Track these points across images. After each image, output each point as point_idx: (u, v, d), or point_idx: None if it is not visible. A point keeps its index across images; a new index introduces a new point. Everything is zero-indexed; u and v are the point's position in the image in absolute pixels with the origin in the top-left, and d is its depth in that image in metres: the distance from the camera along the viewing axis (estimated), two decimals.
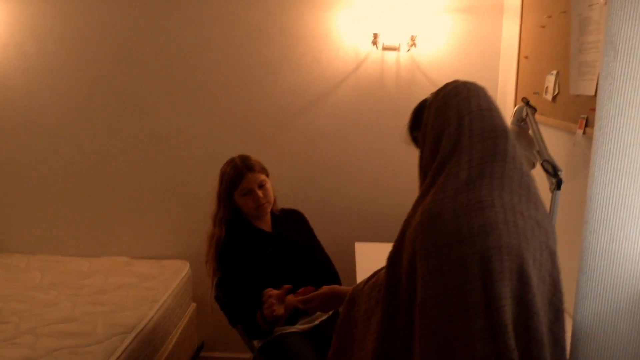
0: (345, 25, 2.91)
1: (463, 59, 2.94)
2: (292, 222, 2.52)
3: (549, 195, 1.67)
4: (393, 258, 1.42)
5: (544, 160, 1.68)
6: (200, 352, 3.20)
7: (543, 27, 2.23)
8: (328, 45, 2.94)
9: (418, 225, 1.30)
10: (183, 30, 2.96)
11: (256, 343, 2.28)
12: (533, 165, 1.81)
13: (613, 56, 1.33)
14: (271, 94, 3.01)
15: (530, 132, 1.85)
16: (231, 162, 2.36)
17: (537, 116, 2.14)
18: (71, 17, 2.98)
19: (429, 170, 1.38)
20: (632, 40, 1.30)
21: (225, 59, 2.98)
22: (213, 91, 3.01)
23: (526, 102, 1.92)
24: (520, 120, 1.93)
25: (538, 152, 1.75)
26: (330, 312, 2.39)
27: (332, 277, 2.45)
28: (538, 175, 1.61)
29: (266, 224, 2.43)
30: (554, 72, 2.06)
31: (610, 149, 1.36)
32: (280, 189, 2.54)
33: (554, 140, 2.06)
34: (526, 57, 2.45)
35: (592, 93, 1.70)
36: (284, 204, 2.56)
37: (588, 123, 1.74)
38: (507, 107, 2.69)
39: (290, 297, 2.08)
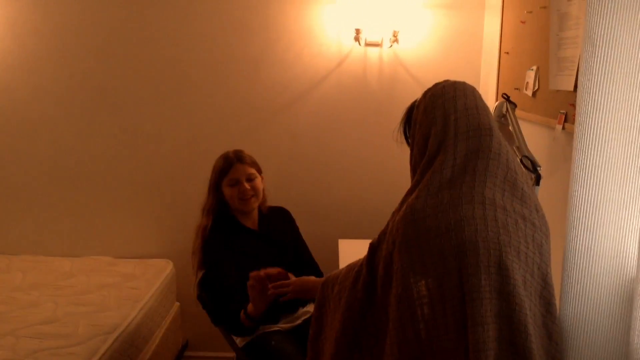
0: (328, 21, 2.90)
1: (445, 54, 2.94)
2: (279, 220, 2.50)
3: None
4: (374, 246, 1.46)
5: (523, 156, 1.69)
6: (184, 352, 3.18)
7: (523, 22, 2.24)
8: (310, 41, 2.93)
9: (400, 220, 1.35)
10: (164, 25, 2.93)
11: (239, 342, 2.27)
12: None
13: (592, 51, 1.33)
14: (253, 90, 2.99)
15: (510, 127, 1.86)
16: (224, 154, 2.38)
17: (517, 112, 2.15)
18: (51, 13, 2.94)
19: (418, 167, 1.42)
20: (610, 35, 1.30)
21: (207, 55, 2.96)
22: (195, 87, 2.99)
23: (506, 98, 1.92)
24: (501, 116, 1.93)
25: (517, 147, 1.76)
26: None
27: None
28: None
29: (252, 222, 2.41)
30: (534, 67, 2.07)
31: (589, 144, 1.36)
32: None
33: (534, 136, 2.07)
34: (507, 53, 2.46)
35: (572, 88, 1.70)
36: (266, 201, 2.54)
37: (567, 118, 1.75)
38: (489, 103, 2.66)
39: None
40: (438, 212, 1.29)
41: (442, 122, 1.39)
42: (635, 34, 1.28)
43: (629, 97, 1.29)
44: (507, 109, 1.92)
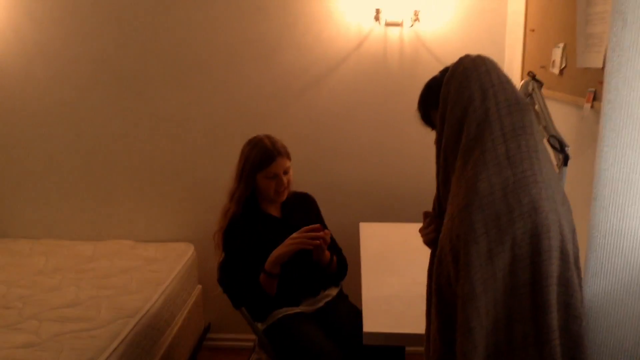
0: (347, 1, 2.84)
1: (468, 33, 2.87)
2: (301, 206, 2.45)
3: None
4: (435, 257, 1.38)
5: (551, 136, 1.63)
6: (207, 334, 3.19)
7: None
8: (329, 23, 2.88)
9: (464, 207, 1.25)
10: (183, 10, 2.91)
11: (260, 325, 2.26)
12: None
13: (621, 26, 1.27)
14: (272, 74, 2.95)
15: (536, 107, 1.80)
16: (259, 143, 2.27)
17: (544, 90, 2.09)
18: None
19: (455, 150, 1.33)
20: None
21: (225, 39, 2.92)
22: (213, 72, 2.97)
23: (532, 76, 1.86)
24: (527, 95, 1.87)
25: (545, 127, 1.70)
26: (335, 294, 2.37)
27: (340, 264, 2.41)
28: None
29: (275, 209, 2.38)
30: (561, 44, 2.00)
31: (619, 122, 1.31)
32: None
33: (562, 115, 2.00)
34: (532, 30, 2.38)
35: (600, 65, 1.64)
36: None
37: (596, 97, 1.68)
38: (516, 82, 2.63)
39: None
40: (507, 192, 1.23)
41: (480, 97, 1.30)
42: None
43: None
44: (533, 87, 1.85)
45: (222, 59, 2.95)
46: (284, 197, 2.33)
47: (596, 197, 1.37)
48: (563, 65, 1.99)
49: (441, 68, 1.51)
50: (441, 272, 1.36)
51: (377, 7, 2.76)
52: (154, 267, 2.82)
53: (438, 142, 1.42)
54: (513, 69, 2.71)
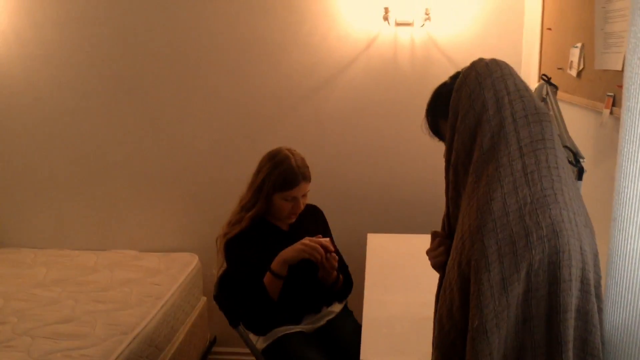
0: (354, 0, 2.71)
1: (483, 33, 2.72)
2: (309, 219, 2.32)
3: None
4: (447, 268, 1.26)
5: (564, 146, 1.49)
6: (212, 348, 3.09)
7: None
8: (336, 23, 2.76)
9: (476, 230, 1.13)
10: (183, 11, 2.81)
11: (259, 344, 2.14)
12: None
13: None
14: (277, 76, 2.84)
15: (550, 113, 1.65)
16: (284, 162, 2.10)
17: (561, 94, 1.94)
18: (71, 1, 2.86)
19: (466, 164, 1.22)
20: None
21: (229, 40, 2.82)
22: (217, 75, 2.87)
23: (546, 80, 1.72)
24: (540, 100, 1.73)
25: (559, 135, 1.55)
26: (338, 310, 2.25)
27: (345, 281, 2.28)
28: None
29: (284, 222, 2.26)
30: (579, 44, 1.84)
31: (639, 132, 1.17)
32: None
33: (580, 121, 1.85)
34: (549, 29, 2.23)
35: (620, 67, 1.49)
36: None
37: (615, 102, 1.53)
38: (532, 86, 2.47)
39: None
40: (524, 214, 1.10)
41: (495, 105, 1.18)
42: None
43: None
44: (547, 92, 1.71)
45: (226, 62, 2.85)
46: (295, 218, 2.21)
47: (615, 218, 1.23)
48: (581, 67, 1.83)
49: (455, 70, 1.36)
50: (444, 300, 1.23)
51: (386, 6, 2.62)
52: (156, 279, 2.73)
53: (447, 155, 1.30)
54: (530, 70, 2.56)
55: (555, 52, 2.15)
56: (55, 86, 2.96)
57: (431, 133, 1.45)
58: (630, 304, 1.21)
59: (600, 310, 1.21)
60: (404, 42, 2.76)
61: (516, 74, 1.25)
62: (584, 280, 1.12)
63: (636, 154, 1.17)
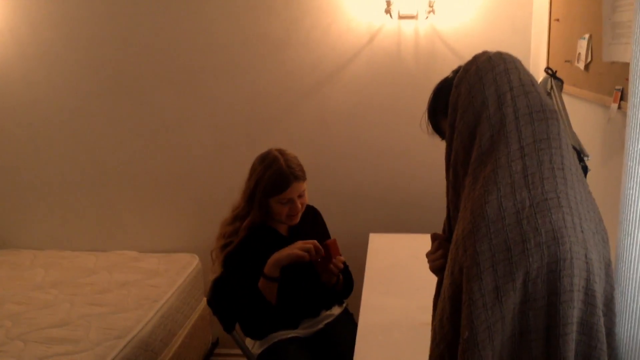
0: None
1: (490, 25, 2.62)
2: (308, 222, 2.24)
3: None
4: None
5: None
6: (215, 350, 3.03)
7: None
8: (338, 17, 2.67)
9: (469, 234, 1.05)
10: (183, 10, 2.75)
11: (255, 349, 2.08)
12: None
13: None
14: (278, 73, 2.77)
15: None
16: (273, 164, 2.02)
17: (568, 88, 1.85)
18: (67, 1, 2.80)
19: (465, 165, 1.14)
20: None
21: (228, 37, 2.75)
22: (217, 73, 2.80)
23: (551, 74, 1.62)
24: (545, 94, 1.63)
25: None
26: (337, 313, 2.17)
27: (345, 282, 2.20)
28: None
29: (283, 226, 2.18)
30: (587, 35, 1.75)
31: None
32: None
33: (588, 116, 1.76)
34: (557, 20, 2.13)
35: (629, 60, 1.39)
36: None
37: (624, 96, 1.44)
38: (539, 80, 2.37)
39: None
40: (521, 218, 1.02)
41: (496, 102, 1.10)
42: None
43: None
44: (551, 85, 1.62)
45: (226, 60, 2.78)
46: (297, 220, 2.12)
47: (621, 221, 1.14)
48: (589, 60, 1.73)
49: (460, 64, 1.27)
50: (439, 309, 1.15)
51: None
52: (154, 281, 2.67)
53: (447, 154, 1.22)
54: (539, 65, 2.45)
55: (563, 44, 2.05)
56: (53, 87, 2.91)
57: (431, 131, 1.38)
58: (636, 315, 1.13)
59: (612, 323, 1.12)
60: (407, 35, 2.67)
61: (522, 68, 1.16)
62: (588, 292, 1.03)
63: None
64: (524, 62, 1.19)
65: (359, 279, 2.10)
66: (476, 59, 1.18)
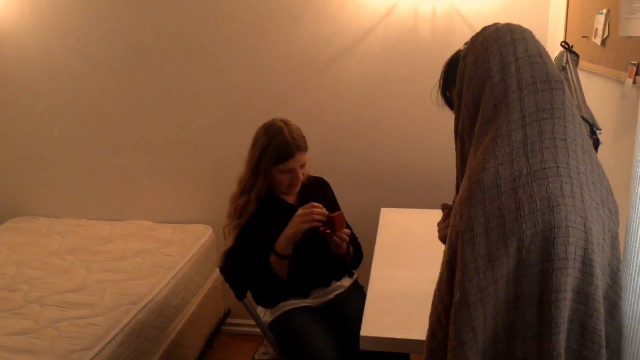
0: None
1: (509, 0, 2.58)
2: (318, 193, 2.27)
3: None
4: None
5: (581, 117, 1.39)
6: (226, 319, 3.08)
7: None
8: None
9: (465, 201, 1.07)
10: None
11: (266, 317, 2.11)
12: None
13: None
14: (293, 47, 2.76)
15: (570, 82, 1.56)
16: (278, 134, 2.06)
17: (585, 64, 1.83)
18: None
19: (471, 135, 1.15)
20: None
21: (243, 10, 2.74)
22: (231, 46, 2.80)
23: (567, 47, 1.61)
24: (560, 69, 1.63)
25: (577, 106, 1.46)
26: (348, 284, 2.20)
27: (355, 254, 2.22)
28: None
29: (291, 195, 2.22)
30: (604, 10, 1.73)
31: None
32: None
33: (603, 92, 1.74)
34: None
35: None
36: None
37: (639, 70, 1.43)
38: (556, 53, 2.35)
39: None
40: (517, 186, 1.03)
41: (500, 72, 1.11)
42: None
43: None
44: (567, 59, 1.61)
45: (240, 32, 2.77)
46: (297, 190, 2.17)
47: (632, 204, 1.14)
48: (605, 35, 1.71)
49: None
50: (439, 273, 1.17)
51: None
52: (169, 250, 2.72)
53: (455, 124, 1.24)
54: (557, 40, 2.42)
55: (581, 20, 2.02)
56: (71, 57, 2.93)
57: (441, 102, 1.40)
58: None
59: (617, 296, 1.13)
60: (424, 10, 2.64)
61: (532, 39, 1.16)
62: (585, 261, 1.04)
63: None
64: (541, 38, 1.19)
65: (369, 253, 2.12)
66: (484, 30, 1.20)
